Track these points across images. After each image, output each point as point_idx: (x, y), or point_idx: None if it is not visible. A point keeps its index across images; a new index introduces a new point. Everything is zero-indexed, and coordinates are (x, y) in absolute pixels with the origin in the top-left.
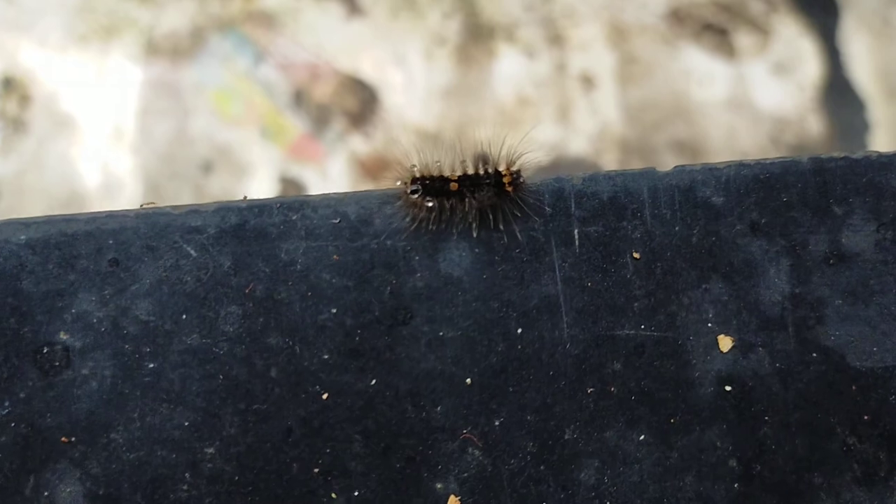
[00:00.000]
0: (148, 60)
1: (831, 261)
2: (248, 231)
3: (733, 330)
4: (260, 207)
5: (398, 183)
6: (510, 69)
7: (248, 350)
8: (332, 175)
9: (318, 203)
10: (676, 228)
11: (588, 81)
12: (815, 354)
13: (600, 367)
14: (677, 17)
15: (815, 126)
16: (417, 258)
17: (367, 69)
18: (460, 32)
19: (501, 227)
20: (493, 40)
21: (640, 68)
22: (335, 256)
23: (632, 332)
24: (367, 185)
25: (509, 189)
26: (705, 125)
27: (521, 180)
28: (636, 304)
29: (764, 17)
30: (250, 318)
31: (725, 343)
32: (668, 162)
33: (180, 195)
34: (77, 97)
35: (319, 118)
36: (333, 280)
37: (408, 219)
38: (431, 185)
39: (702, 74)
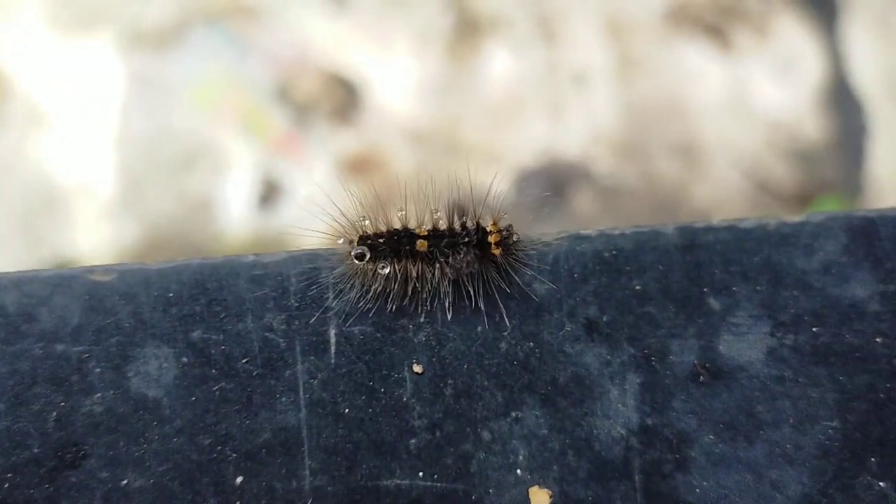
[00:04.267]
0: (130, 54)
1: (701, 378)
2: None
3: (553, 480)
4: None
5: (339, 241)
6: (501, 67)
7: None
8: (315, 172)
9: None
10: (479, 329)
11: (581, 81)
12: None
13: None
14: (674, 16)
15: (812, 128)
16: (98, 370)
17: (354, 65)
18: (450, 28)
19: (482, 305)
20: (483, 37)
21: (635, 68)
22: None
23: (405, 481)
24: (351, 184)
25: (496, 252)
26: (701, 127)
27: (514, 239)
28: (414, 442)
29: (763, 17)
30: None
31: (540, 499)
32: (662, 167)
33: (161, 192)
34: (58, 91)
35: (304, 114)
36: None
37: (353, 291)
38: (388, 243)
39: (698, 75)
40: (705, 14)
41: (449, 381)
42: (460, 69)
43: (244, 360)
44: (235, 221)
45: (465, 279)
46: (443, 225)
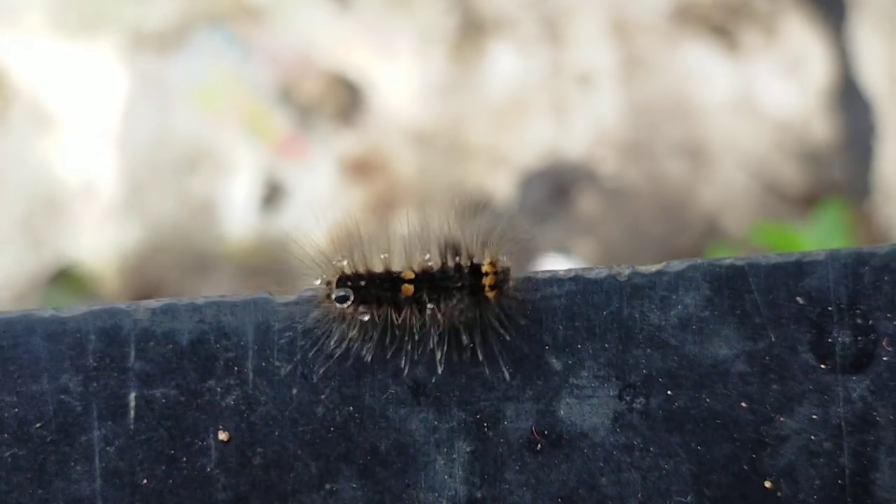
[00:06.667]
0: (133, 56)
1: (539, 446)
2: None
3: None
4: None
5: (317, 282)
6: (505, 68)
7: None
8: (318, 175)
9: None
10: (294, 391)
11: (586, 81)
12: None
13: None
14: (681, 16)
15: (820, 129)
16: None
17: (358, 66)
18: (454, 29)
19: (480, 354)
20: (488, 38)
21: (640, 68)
22: None
23: None
24: (354, 187)
25: (490, 295)
26: (707, 128)
27: (510, 282)
28: None
29: (770, 17)
30: None
31: None
32: (668, 168)
33: (164, 194)
34: (60, 93)
35: (307, 116)
36: None
37: (331, 339)
38: (369, 287)
39: (705, 75)
40: (712, 14)
41: (258, 450)
42: (464, 70)
43: (38, 425)
44: (238, 223)
45: (460, 327)
46: (434, 265)
